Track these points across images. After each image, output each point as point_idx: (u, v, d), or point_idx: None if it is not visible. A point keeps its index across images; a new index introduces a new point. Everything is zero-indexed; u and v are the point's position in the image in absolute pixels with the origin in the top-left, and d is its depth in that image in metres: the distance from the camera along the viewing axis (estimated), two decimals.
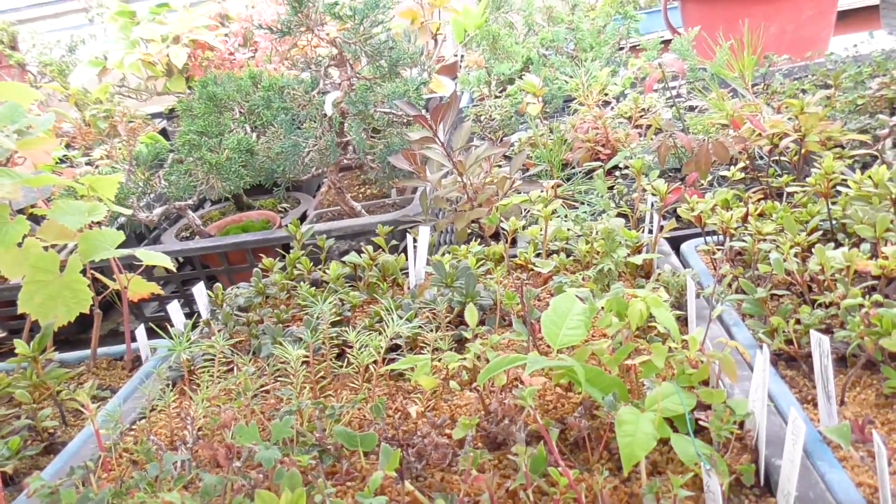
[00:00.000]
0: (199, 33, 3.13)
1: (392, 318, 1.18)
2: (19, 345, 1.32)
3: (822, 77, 2.49)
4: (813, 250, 1.21)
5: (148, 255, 1.55)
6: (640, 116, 2.36)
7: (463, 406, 1.13)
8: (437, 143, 1.72)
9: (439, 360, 1.13)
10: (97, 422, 1.09)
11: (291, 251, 1.72)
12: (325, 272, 1.59)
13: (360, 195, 2.47)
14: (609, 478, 0.93)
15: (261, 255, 1.80)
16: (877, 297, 1.05)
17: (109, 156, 2.46)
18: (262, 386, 1.19)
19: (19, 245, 1.50)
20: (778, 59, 2.63)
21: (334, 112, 1.96)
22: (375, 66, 2.03)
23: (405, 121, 2.06)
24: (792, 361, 1.15)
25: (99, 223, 1.60)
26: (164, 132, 3.23)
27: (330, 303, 1.26)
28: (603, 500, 0.87)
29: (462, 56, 3.46)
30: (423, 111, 1.75)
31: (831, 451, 0.92)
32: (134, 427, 1.20)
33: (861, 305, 1.05)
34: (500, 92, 2.91)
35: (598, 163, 2.04)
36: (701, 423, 0.95)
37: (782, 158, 1.93)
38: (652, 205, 1.56)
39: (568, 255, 1.55)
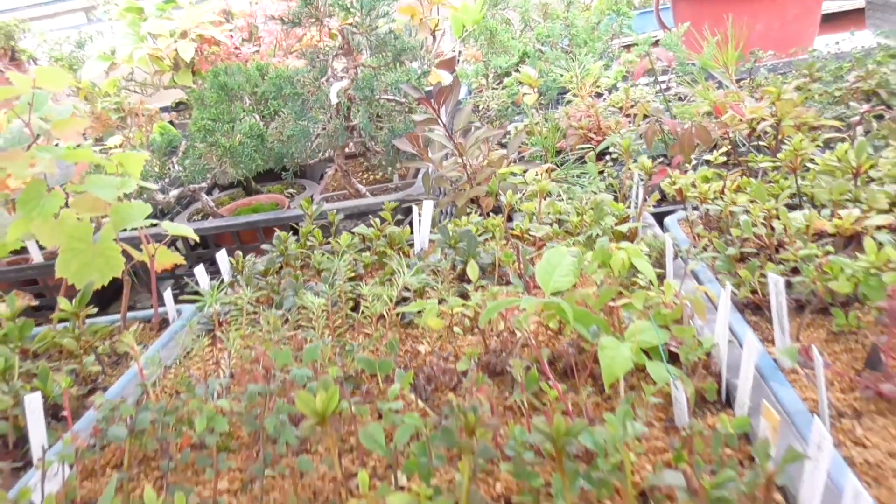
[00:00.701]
0: (206, 28, 3.31)
1: (401, 273, 1.35)
2: (62, 302, 1.48)
3: (804, 71, 2.68)
4: (779, 214, 1.39)
5: (174, 227, 1.72)
6: (631, 107, 2.54)
7: (466, 346, 1.30)
8: (440, 124, 1.90)
9: (445, 308, 1.30)
10: (140, 362, 1.26)
11: (302, 228, 1.89)
12: (337, 242, 1.76)
13: (364, 181, 2.64)
14: (592, 395, 1.10)
15: (272, 234, 1.97)
16: (829, 248, 1.23)
17: (124, 144, 2.63)
18: (285, 333, 1.36)
19: (55, 217, 1.67)
20: (763, 54, 2.82)
21: (341, 98, 2.13)
22: (380, 56, 2.21)
23: (408, 108, 2.24)
24: (757, 309, 1.32)
25: (129, 196, 1.77)
26: (171, 124, 3.40)
27: (344, 261, 1.43)
28: (586, 411, 1.04)
29: (460, 52, 3.64)
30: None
31: (783, 374, 1.09)
32: (171, 369, 1.37)
33: (816, 256, 1.23)
34: (497, 84, 3.09)
35: (589, 146, 2.22)
36: (672, 349, 1.13)
37: (761, 143, 2.11)
38: (638, 178, 1.74)
39: (560, 226, 1.72)
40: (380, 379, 1.16)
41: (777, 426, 0.87)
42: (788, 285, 1.30)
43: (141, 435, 1.06)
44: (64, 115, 1.85)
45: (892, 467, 0.90)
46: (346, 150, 2.44)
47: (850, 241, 1.36)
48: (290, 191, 2.70)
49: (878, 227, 1.30)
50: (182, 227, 1.72)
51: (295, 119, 2.17)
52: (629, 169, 1.90)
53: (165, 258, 1.79)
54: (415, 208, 1.74)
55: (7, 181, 1.75)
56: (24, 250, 2.40)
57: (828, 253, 1.22)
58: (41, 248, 2.36)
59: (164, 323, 1.72)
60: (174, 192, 2.30)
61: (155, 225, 1.71)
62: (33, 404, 1.17)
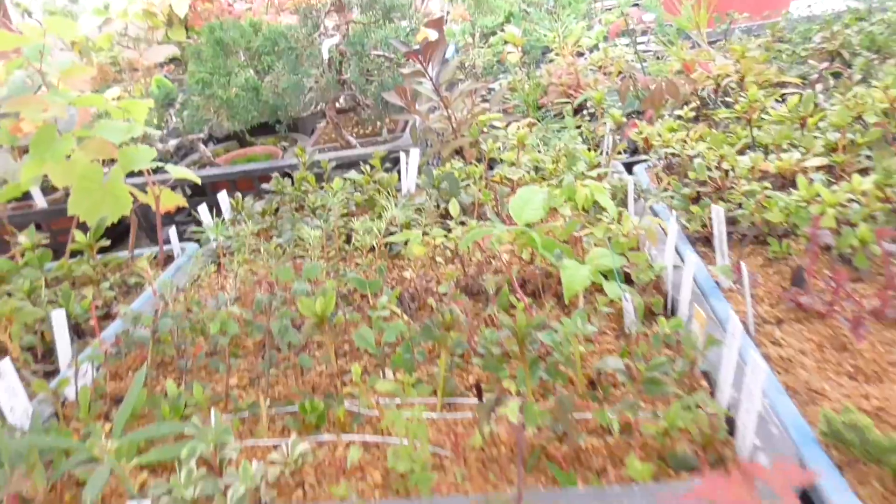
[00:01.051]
0: None
1: (390, 209, 1.51)
2: (77, 234, 1.63)
3: (776, 33, 2.82)
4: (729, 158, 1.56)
5: (176, 170, 1.87)
6: (610, 65, 2.68)
7: (447, 273, 1.47)
8: (427, 77, 2.04)
9: (428, 238, 1.46)
10: (154, 284, 1.41)
11: (297, 174, 2.04)
12: (329, 187, 1.91)
13: (354, 134, 2.78)
14: (555, 308, 1.27)
15: (267, 182, 2.12)
16: (768, 185, 1.40)
17: (122, 97, 2.75)
18: (284, 262, 1.52)
19: (67, 159, 1.81)
20: (739, 16, 2.96)
21: (333, 54, 2.27)
22: (370, 13, 2.34)
23: (397, 63, 2.37)
24: (707, 242, 1.49)
25: (135, 141, 1.90)
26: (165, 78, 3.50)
27: (337, 199, 1.59)
28: (548, 319, 1.21)
29: (448, 12, 3.76)
30: None
31: (720, 291, 1.27)
32: (181, 294, 1.53)
33: (756, 192, 1.40)
34: (483, 43, 3.22)
35: (567, 99, 2.37)
36: (628, 272, 1.30)
37: (728, 99, 2.26)
38: (609, 129, 1.90)
39: (537, 173, 1.88)
40: (370, 297, 1.33)
41: (704, 324, 1.05)
42: (733, 221, 1.47)
43: (158, 343, 1.23)
44: (66, 65, 1.98)
45: (799, 361, 1.08)
46: (337, 105, 2.57)
47: (792, 182, 1.53)
48: (283, 143, 2.83)
49: (817, 168, 1.47)
50: (185, 171, 1.87)
51: (289, 73, 2.30)
52: (602, 121, 2.05)
53: (169, 200, 1.93)
54: (402, 156, 1.89)
55: (20, 125, 1.88)
56: (28, 196, 2.53)
57: (766, 188, 1.39)
58: (45, 194, 2.50)
59: (168, 259, 1.87)
60: (173, 142, 2.43)
61: (159, 169, 1.85)
62: (59, 319, 1.33)
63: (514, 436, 0.95)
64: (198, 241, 1.84)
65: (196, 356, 1.21)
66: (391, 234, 1.59)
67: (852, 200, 1.33)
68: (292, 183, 2.01)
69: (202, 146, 2.48)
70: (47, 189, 2.55)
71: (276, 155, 2.61)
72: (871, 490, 0.83)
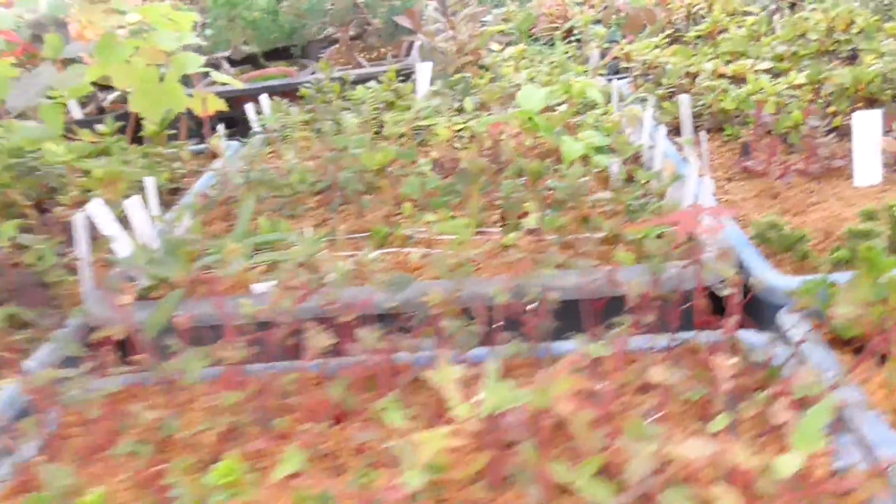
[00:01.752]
0: None
1: (413, 104, 1.84)
2: (146, 125, 1.93)
3: None
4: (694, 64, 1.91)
5: (219, 76, 2.17)
6: None
7: (469, 147, 1.81)
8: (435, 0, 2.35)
9: (449, 125, 1.80)
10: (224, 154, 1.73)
11: (322, 85, 2.34)
12: (352, 95, 2.22)
13: (363, 59, 3.08)
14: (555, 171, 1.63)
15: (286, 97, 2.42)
16: (723, 82, 1.76)
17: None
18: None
19: (127, 62, 2.09)
20: None
21: None
22: None
23: None
24: (676, 132, 1.86)
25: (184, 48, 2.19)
26: None
27: (367, 95, 1.91)
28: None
29: None
30: None
31: (684, 161, 1.63)
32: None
33: (714, 87, 1.76)
34: None
35: (556, 26, 2.70)
36: (611, 149, 1.65)
37: (698, 27, 2.61)
38: (594, 46, 2.24)
39: (532, 81, 2.22)
40: (408, 165, 1.67)
41: (672, 169, 1.41)
42: (698, 116, 1.83)
43: (248, 191, 1.55)
44: None
45: (742, 204, 1.45)
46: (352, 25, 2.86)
47: (745, 82, 1.90)
48: (294, 67, 3.12)
49: (765, 71, 1.83)
50: (229, 78, 2.17)
51: None
52: (588, 44, 2.39)
53: (214, 104, 2.23)
54: (417, 68, 2.21)
55: (83, 32, 2.14)
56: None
57: (722, 85, 1.76)
58: (82, 105, 2.77)
59: (214, 156, 2.18)
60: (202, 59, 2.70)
61: (206, 74, 2.14)
62: (151, 184, 1.64)
63: (533, 243, 1.30)
64: (239, 140, 2.15)
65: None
66: (415, 129, 1.92)
67: (792, 96, 1.70)
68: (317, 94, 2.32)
69: (226, 64, 2.76)
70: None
71: (291, 75, 2.90)
72: (786, 269, 1.20)
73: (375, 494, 0.71)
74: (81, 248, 1.32)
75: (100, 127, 1.93)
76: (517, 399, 0.74)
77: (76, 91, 2.18)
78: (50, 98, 2.07)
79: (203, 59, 2.77)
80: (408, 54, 2.95)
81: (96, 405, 0.94)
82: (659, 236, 1.28)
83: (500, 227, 1.40)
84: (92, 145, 1.84)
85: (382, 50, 3.07)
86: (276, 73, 2.96)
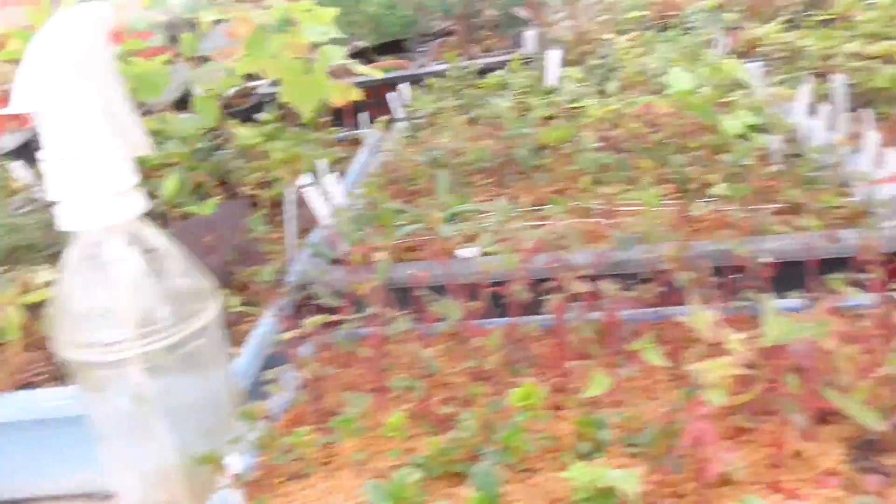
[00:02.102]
0: None
1: (557, 89, 1.92)
2: (306, 114, 2.07)
3: None
4: None
5: (361, 68, 2.29)
6: None
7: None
8: None
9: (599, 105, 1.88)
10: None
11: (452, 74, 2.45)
12: (485, 85, 2.32)
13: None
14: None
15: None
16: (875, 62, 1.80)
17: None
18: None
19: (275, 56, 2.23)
20: None
21: None
22: None
23: None
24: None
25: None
26: None
27: (514, 79, 2.00)
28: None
29: None
30: None
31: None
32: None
33: (864, 68, 1.80)
34: None
35: (668, 14, 2.76)
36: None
37: (815, 12, 2.64)
38: (718, 33, 2.29)
39: None
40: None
41: (845, 143, 1.46)
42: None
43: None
44: None
45: None
46: (446, 25, 2.97)
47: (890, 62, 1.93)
48: (401, 61, 3.24)
49: None
50: (369, 69, 2.29)
51: None
52: (709, 30, 2.45)
53: (353, 94, 2.36)
54: (547, 55, 2.30)
55: (236, 29, 2.29)
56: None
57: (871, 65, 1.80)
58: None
59: (356, 142, 2.30)
60: None
61: (345, 66, 2.27)
62: (322, 165, 1.77)
63: (716, 214, 1.38)
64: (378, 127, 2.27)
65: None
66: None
67: None
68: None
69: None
70: None
71: (406, 67, 3.02)
72: None
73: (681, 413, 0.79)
74: (290, 218, 1.44)
75: (261, 115, 2.06)
76: (798, 332, 0.81)
77: (227, 83, 2.33)
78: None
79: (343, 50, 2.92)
80: (514, 45, 3.04)
81: (361, 347, 1.05)
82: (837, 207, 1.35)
83: (677, 198, 1.48)
84: (259, 131, 1.98)
85: (487, 41, 3.17)
86: (391, 65, 3.08)
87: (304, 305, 1.23)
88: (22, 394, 1.16)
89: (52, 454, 1.17)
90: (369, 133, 2.25)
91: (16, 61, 2.49)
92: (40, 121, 0.85)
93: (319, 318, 1.06)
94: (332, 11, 2.35)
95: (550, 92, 2.02)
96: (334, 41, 2.75)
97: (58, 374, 1.18)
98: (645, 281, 1.11)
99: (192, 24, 3.01)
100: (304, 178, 1.44)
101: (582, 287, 1.01)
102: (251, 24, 2.25)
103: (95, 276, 0.91)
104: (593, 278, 1.11)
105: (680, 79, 1.82)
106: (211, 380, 0.99)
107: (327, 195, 1.49)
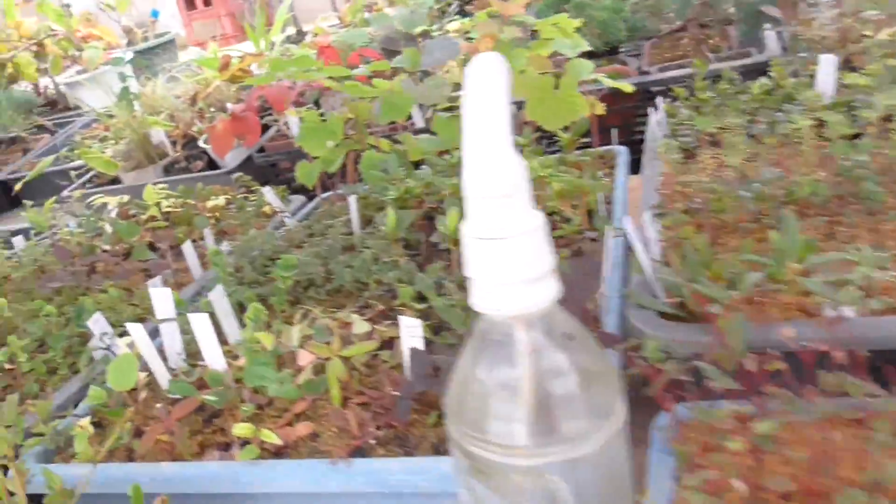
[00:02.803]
0: None
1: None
2: (561, 134, 1.97)
3: None
4: None
5: (610, 82, 2.16)
6: None
7: None
8: None
9: None
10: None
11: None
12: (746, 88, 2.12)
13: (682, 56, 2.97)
14: None
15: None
16: None
17: None
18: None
19: (520, 73, 2.15)
20: None
21: None
22: None
23: None
24: None
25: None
26: None
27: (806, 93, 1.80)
28: None
29: None
30: None
31: None
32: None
33: None
34: None
35: None
36: None
37: None
38: None
39: None
40: None
41: None
42: None
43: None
44: None
45: None
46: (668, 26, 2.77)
47: None
48: (624, 67, 3.08)
49: None
50: (615, 82, 2.16)
51: None
52: None
53: (597, 108, 2.24)
54: (822, 60, 2.07)
55: (478, 46, 2.24)
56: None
57: None
58: None
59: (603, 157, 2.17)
60: None
61: (594, 80, 2.14)
62: (620, 199, 1.65)
63: None
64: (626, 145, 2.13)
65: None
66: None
67: None
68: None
69: None
70: None
71: (627, 73, 2.86)
72: None
73: None
74: (612, 266, 1.33)
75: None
76: None
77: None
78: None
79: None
80: (741, 46, 2.81)
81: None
82: None
83: None
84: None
85: (711, 42, 2.95)
86: (617, 71, 2.93)
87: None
88: (367, 462, 1.09)
89: None
90: (620, 152, 2.11)
91: (233, 80, 2.56)
92: (472, 196, 0.77)
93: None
94: (575, 23, 2.23)
95: (846, 104, 1.80)
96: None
97: (386, 438, 1.11)
98: None
99: (410, 38, 3.00)
100: (626, 219, 1.32)
101: None
102: (493, 39, 2.17)
103: (508, 370, 0.81)
104: None
105: None
106: (616, 479, 0.89)
107: (645, 239, 1.36)
